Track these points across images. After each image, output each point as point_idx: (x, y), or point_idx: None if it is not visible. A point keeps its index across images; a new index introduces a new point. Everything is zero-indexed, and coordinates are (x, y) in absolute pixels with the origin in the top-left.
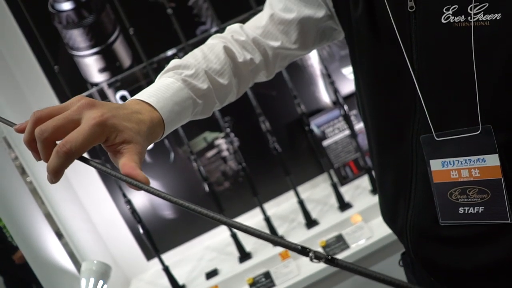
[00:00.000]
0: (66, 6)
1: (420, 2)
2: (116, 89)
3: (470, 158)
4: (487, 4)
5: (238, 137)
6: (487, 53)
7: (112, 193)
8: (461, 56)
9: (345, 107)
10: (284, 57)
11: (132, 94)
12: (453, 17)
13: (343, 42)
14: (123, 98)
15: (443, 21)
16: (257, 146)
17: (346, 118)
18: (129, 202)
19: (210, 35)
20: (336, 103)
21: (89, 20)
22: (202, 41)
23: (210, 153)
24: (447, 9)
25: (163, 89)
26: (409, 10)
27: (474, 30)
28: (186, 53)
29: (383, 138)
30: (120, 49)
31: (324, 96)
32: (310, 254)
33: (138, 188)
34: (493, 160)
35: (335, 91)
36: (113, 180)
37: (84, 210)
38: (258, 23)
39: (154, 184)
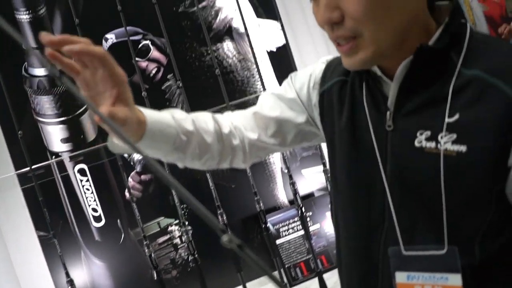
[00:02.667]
0: (40, 72)
1: (397, 123)
2: (76, 163)
3: (434, 275)
4: (455, 135)
5: (193, 226)
6: (454, 181)
7: (53, 271)
8: (431, 179)
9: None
10: (262, 149)
11: (91, 169)
12: (425, 142)
13: None
14: (81, 171)
15: (416, 144)
16: (211, 237)
17: (302, 219)
18: (71, 282)
19: None
20: (293, 203)
21: (61, 89)
22: None
23: (162, 239)
24: (421, 134)
25: (154, 112)
26: (387, 128)
27: (443, 158)
28: None
29: (353, 244)
30: (87, 121)
31: (282, 195)
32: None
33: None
34: (455, 280)
35: (295, 192)
36: (57, 256)
37: (19, 285)
38: (242, 113)
39: (100, 264)
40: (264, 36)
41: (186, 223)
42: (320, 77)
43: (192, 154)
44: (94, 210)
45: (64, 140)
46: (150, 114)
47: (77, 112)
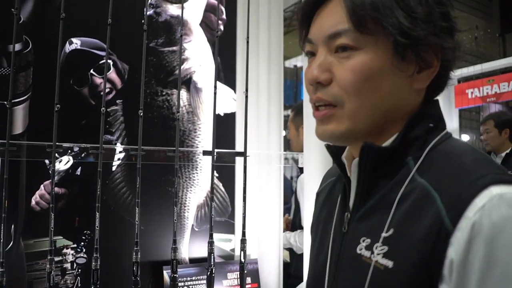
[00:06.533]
0: None
1: (351, 226)
2: None
3: None
4: (387, 248)
5: (88, 255)
6: None
7: None
8: (358, 285)
9: None
10: None
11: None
12: (364, 250)
13: None
14: None
15: (357, 251)
16: (109, 273)
17: (210, 279)
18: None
19: None
20: (192, 262)
21: (6, 72)
22: None
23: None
24: (363, 240)
25: None
26: (343, 230)
27: (372, 269)
28: None
29: None
30: (20, 114)
31: (185, 251)
32: None
33: None
34: None
35: (211, 251)
36: None
37: None
38: None
39: None
40: (218, 98)
41: (84, 250)
42: (320, 182)
43: None
44: None
45: None
46: None
47: (14, 100)
